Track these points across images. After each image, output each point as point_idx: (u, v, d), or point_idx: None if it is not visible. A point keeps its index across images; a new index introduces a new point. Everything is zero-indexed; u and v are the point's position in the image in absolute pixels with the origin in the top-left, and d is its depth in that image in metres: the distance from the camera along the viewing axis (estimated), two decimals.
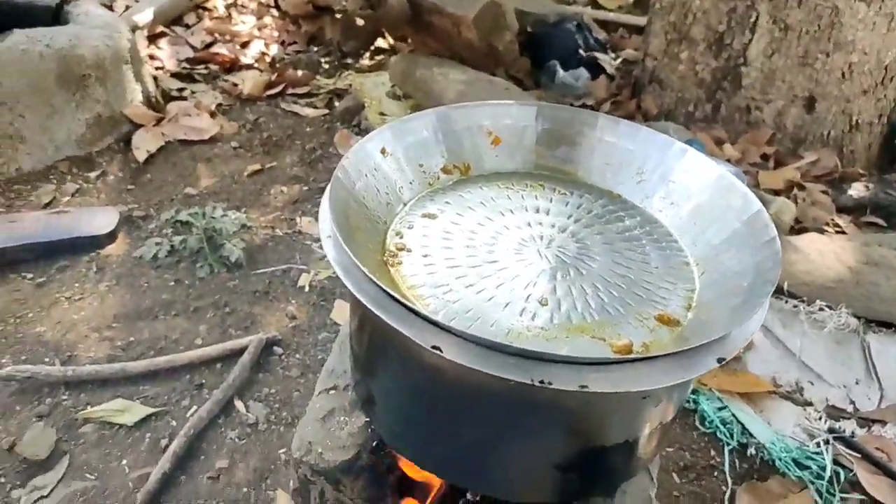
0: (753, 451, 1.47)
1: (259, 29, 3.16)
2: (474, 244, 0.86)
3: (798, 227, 2.04)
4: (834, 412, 1.57)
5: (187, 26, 3.07)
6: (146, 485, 1.29)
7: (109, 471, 1.35)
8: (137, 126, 2.32)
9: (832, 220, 2.09)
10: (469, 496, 1.01)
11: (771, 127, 2.27)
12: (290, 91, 2.71)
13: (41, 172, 2.12)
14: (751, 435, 1.50)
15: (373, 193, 0.87)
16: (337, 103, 2.63)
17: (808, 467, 1.43)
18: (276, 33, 3.16)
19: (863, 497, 1.39)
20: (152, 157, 2.26)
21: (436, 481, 1.01)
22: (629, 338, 0.75)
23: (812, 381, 1.63)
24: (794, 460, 1.44)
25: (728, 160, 2.16)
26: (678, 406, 0.83)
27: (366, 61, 3.02)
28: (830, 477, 1.41)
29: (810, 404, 1.58)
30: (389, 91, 2.61)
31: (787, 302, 1.76)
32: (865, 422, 1.55)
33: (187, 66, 2.81)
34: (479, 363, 0.64)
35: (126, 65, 2.29)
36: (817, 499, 1.38)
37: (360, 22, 2.86)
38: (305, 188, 2.21)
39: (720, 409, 1.55)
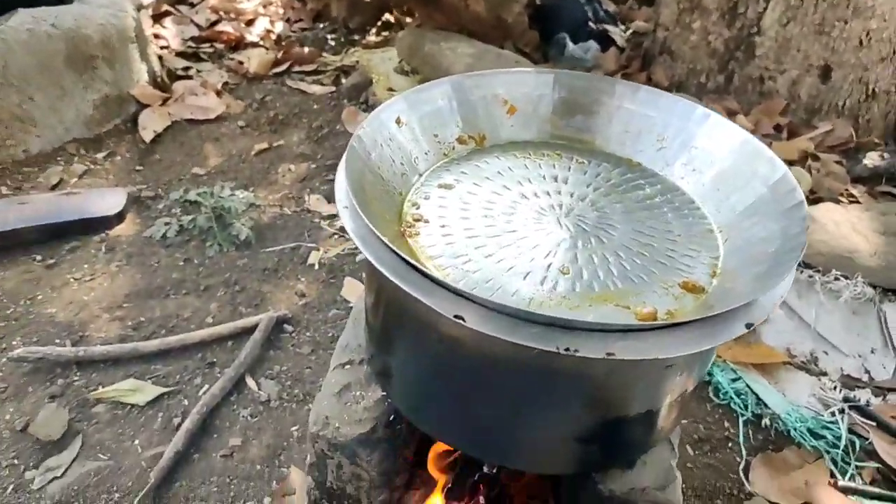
0: (768, 422, 1.46)
1: (264, 6, 3.12)
2: (492, 214, 0.84)
3: (813, 198, 2.01)
4: (849, 382, 1.56)
5: (192, 5, 3.04)
6: (160, 462, 1.29)
7: (123, 450, 1.35)
8: (144, 106, 2.30)
9: (847, 190, 2.06)
10: (486, 468, 1.01)
11: (785, 97, 2.23)
12: (296, 69, 2.68)
13: (49, 154, 2.11)
14: (765, 406, 1.49)
15: (388, 164, 0.85)
16: (344, 80, 2.60)
17: (823, 437, 1.43)
18: (281, 10, 3.12)
19: (878, 465, 1.39)
20: (159, 136, 2.25)
21: (453, 454, 1.01)
22: (653, 306, 0.74)
23: (827, 352, 1.61)
24: (809, 430, 1.43)
25: None
26: (700, 376, 0.82)
27: (372, 37, 2.98)
28: (846, 446, 1.40)
29: (825, 374, 1.57)
30: (397, 66, 2.57)
31: (802, 272, 1.74)
32: (881, 390, 1.54)
33: (192, 44, 2.78)
34: (504, 332, 0.63)
35: (132, 44, 2.27)
36: (833, 468, 1.37)
37: None
38: (313, 166, 2.19)
39: (734, 380, 1.54)
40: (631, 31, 2.77)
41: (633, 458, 0.88)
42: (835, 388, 1.53)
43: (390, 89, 2.47)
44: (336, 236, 1.92)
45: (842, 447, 1.40)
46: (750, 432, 1.45)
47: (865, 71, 2.17)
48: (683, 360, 0.73)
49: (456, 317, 0.63)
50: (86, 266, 1.76)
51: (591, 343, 0.62)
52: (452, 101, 0.93)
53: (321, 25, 3.04)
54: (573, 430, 0.78)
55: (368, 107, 2.44)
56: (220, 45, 2.80)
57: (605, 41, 2.67)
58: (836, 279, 1.71)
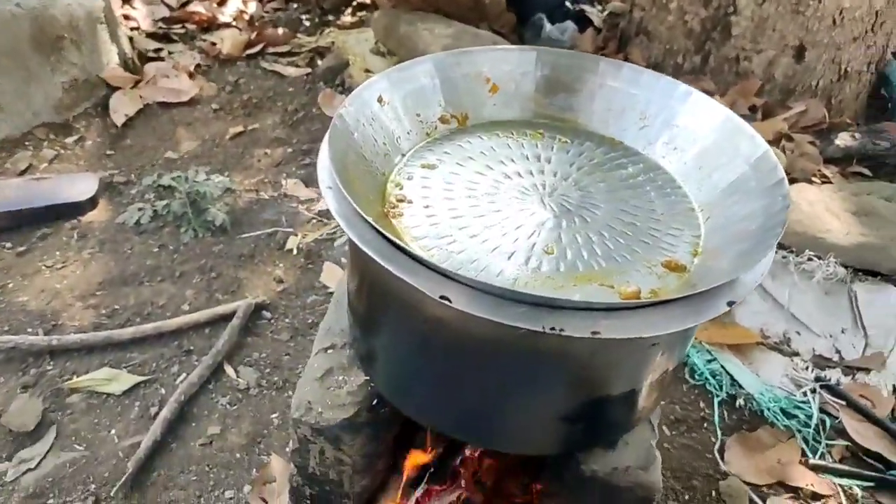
0: (742, 402, 1.48)
1: None
2: (476, 194, 0.83)
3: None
4: (820, 361, 1.58)
5: None
6: (137, 452, 1.27)
7: (99, 440, 1.33)
8: (115, 89, 2.24)
9: (819, 170, 2.09)
10: (468, 451, 1.01)
11: (760, 77, 2.24)
12: (270, 50, 2.63)
13: (17, 139, 2.05)
14: (740, 386, 1.51)
15: (370, 144, 0.84)
16: (319, 62, 2.56)
17: (795, 416, 1.45)
18: None
19: (848, 443, 1.42)
20: (131, 120, 2.20)
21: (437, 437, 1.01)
22: (637, 285, 0.74)
23: (799, 332, 1.64)
24: (781, 410, 1.46)
25: None
26: (681, 355, 0.83)
27: (347, 18, 2.94)
28: (817, 425, 1.43)
29: (797, 354, 1.59)
30: (373, 48, 2.54)
31: (776, 252, 1.76)
32: (851, 370, 1.57)
33: (163, 25, 2.71)
34: (489, 312, 0.62)
35: (101, 25, 2.20)
36: (804, 447, 1.40)
37: None
38: (289, 150, 2.16)
39: (709, 361, 1.56)
40: (608, 11, 2.76)
41: (616, 439, 0.88)
42: (807, 368, 1.56)
43: (367, 71, 2.43)
44: (314, 221, 1.89)
45: (813, 426, 1.43)
46: (725, 412, 1.47)
47: (838, 50, 2.19)
48: (667, 339, 0.73)
49: (442, 297, 0.62)
50: (58, 253, 1.72)
51: (577, 322, 0.62)
52: (435, 80, 0.92)
53: (295, 6, 2.99)
54: (558, 411, 0.78)
55: (345, 89, 2.41)
56: (191, 26, 2.73)
57: (583, 22, 2.66)
58: (810, 259, 1.74)
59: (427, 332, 0.75)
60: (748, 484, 1.33)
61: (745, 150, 0.83)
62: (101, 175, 1.94)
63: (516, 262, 0.75)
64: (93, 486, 1.24)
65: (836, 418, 1.45)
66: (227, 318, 1.56)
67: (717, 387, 1.51)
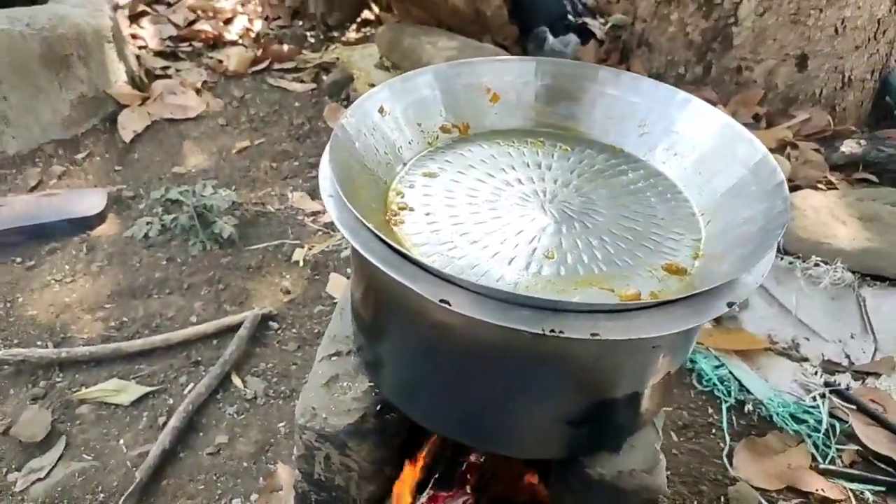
0: (751, 408, 1.48)
1: (242, 5, 3.10)
2: (477, 201, 0.84)
3: (791, 186, 2.04)
4: (829, 366, 1.58)
5: (169, 4, 3.01)
6: (146, 461, 1.28)
7: (108, 450, 1.34)
8: (122, 106, 2.28)
9: (825, 177, 2.09)
10: (474, 457, 1.01)
11: (762, 87, 2.26)
12: (275, 66, 2.66)
13: (26, 156, 2.08)
14: (748, 392, 1.50)
15: (372, 153, 0.85)
16: (324, 77, 2.59)
17: (804, 421, 1.45)
18: (259, 8, 3.10)
19: (858, 448, 1.41)
20: (139, 136, 2.22)
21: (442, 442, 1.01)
22: (637, 288, 0.75)
23: (808, 337, 1.63)
24: (791, 415, 1.45)
25: None
26: (684, 357, 0.83)
27: (352, 34, 2.97)
28: (827, 430, 1.42)
29: (806, 360, 1.59)
30: (378, 62, 2.57)
31: (782, 259, 1.76)
32: (860, 375, 1.56)
33: (171, 44, 2.75)
34: (489, 315, 0.63)
35: (108, 44, 2.24)
36: (814, 451, 1.39)
37: None
38: (295, 163, 2.18)
39: (717, 367, 1.56)
40: (610, 24, 2.78)
41: (621, 442, 0.89)
42: (816, 373, 1.55)
43: (371, 85, 2.46)
44: (320, 233, 1.91)
45: (823, 431, 1.42)
46: (733, 418, 1.47)
47: (840, 59, 2.20)
48: (668, 341, 0.74)
49: (441, 301, 0.63)
50: (66, 267, 1.74)
51: (577, 324, 0.63)
52: (436, 90, 0.93)
53: (300, 23, 3.03)
54: (562, 414, 0.79)
55: (350, 103, 2.43)
56: (198, 44, 2.77)
57: (585, 34, 2.68)
58: (816, 265, 1.74)
59: (431, 337, 0.76)
60: (757, 489, 1.32)
61: (743, 154, 0.84)
62: (109, 190, 1.96)
63: (517, 267, 0.76)
64: (102, 495, 1.25)
65: (847, 423, 1.44)
66: (234, 328, 1.57)
67: (725, 392, 1.51)
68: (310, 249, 1.85)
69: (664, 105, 0.93)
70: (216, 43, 2.79)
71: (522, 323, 0.63)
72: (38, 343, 1.53)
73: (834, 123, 2.25)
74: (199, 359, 1.52)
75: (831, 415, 1.45)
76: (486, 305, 0.63)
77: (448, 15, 2.52)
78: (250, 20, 2.99)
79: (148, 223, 1.85)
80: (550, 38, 2.58)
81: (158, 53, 2.67)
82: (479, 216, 0.82)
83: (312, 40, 2.92)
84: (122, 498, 1.23)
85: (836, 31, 2.13)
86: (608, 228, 0.83)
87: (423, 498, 0.99)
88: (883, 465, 1.38)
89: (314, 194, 2.04)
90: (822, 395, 1.49)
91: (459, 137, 0.95)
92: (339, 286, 1.72)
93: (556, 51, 2.54)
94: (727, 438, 1.42)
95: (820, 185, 2.07)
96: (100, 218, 1.88)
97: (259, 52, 2.69)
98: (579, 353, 0.71)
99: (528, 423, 0.81)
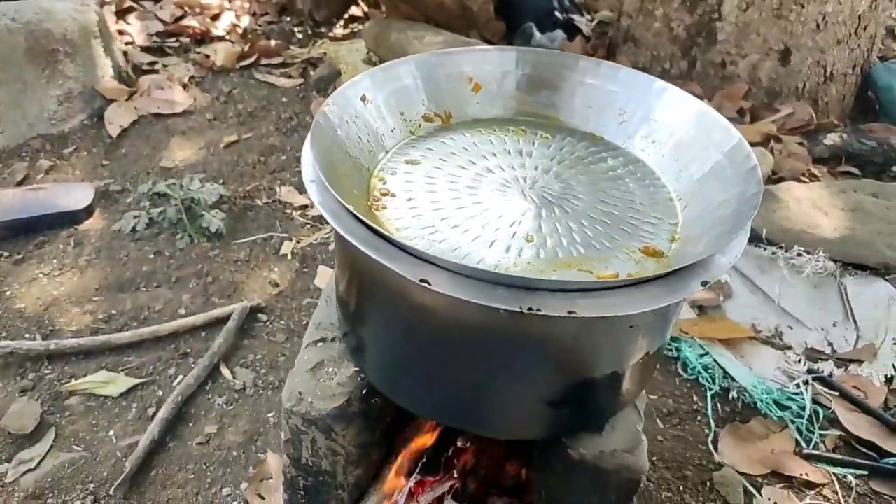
0: (735, 395, 1.50)
1: (229, 1, 3.10)
2: (458, 187, 0.86)
3: (775, 178, 2.07)
4: (812, 354, 1.60)
5: (155, 0, 3.01)
6: (135, 451, 1.29)
7: (97, 441, 1.34)
8: (109, 101, 2.28)
9: (808, 170, 2.12)
10: (460, 442, 1.03)
11: (746, 81, 2.28)
12: (263, 62, 2.67)
13: (13, 150, 2.08)
14: (732, 379, 1.53)
15: (354, 140, 0.86)
16: (312, 72, 2.60)
17: (788, 408, 1.47)
18: (246, 4, 3.10)
19: (841, 433, 1.44)
20: (126, 131, 2.23)
21: (427, 425, 1.03)
22: (615, 269, 0.76)
23: (791, 326, 1.66)
24: (774, 401, 1.48)
25: None
26: (663, 337, 0.85)
27: (339, 29, 2.98)
28: (810, 416, 1.45)
29: (789, 348, 1.61)
30: (365, 58, 2.57)
31: (765, 249, 1.79)
32: (843, 362, 1.59)
33: (158, 39, 2.75)
34: (469, 294, 0.64)
35: (95, 39, 2.24)
36: (798, 437, 1.42)
37: None
38: (283, 157, 2.19)
39: (702, 355, 1.58)
40: (596, 20, 2.81)
41: (602, 423, 0.90)
42: (799, 360, 1.58)
43: None
44: (308, 226, 1.92)
45: (806, 417, 1.45)
46: (718, 405, 1.49)
47: (822, 53, 2.23)
48: (646, 321, 0.75)
49: (422, 281, 0.64)
50: (54, 261, 1.74)
51: (554, 302, 0.64)
52: (418, 80, 0.94)
53: (287, 18, 3.03)
54: (544, 395, 0.80)
55: None
56: (185, 40, 2.77)
57: (571, 30, 2.70)
58: (799, 255, 1.76)
59: (412, 319, 0.77)
60: (742, 474, 1.35)
61: (719, 139, 0.85)
62: (96, 184, 1.97)
63: (497, 249, 0.77)
64: (92, 485, 1.26)
65: (829, 409, 1.47)
66: (223, 320, 1.58)
67: (709, 380, 1.53)
68: (298, 242, 1.86)
69: (643, 94, 0.94)
70: (203, 38, 2.79)
71: (501, 301, 0.64)
72: (27, 335, 1.54)
73: (817, 117, 2.28)
74: (188, 350, 1.53)
75: (814, 401, 1.48)
76: (466, 285, 0.65)
77: (435, 10, 2.53)
78: (238, 16, 3.00)
79: (135, 217, 1.86)
80: (537, 34, 2.59)
81: (145, 49, 2.67)
82: (460, 202, 0.84)
83: (300, 36, 2.93)
84: (112, 488, 1.24)
85: (818, 25, 2.16)
86: (587, 213, 0.84)
87: (411, 482, 1.00)
88: (864, 450, 1.41)
89: (302, 188, 2.04)
90: (806, 382, 1.51)
91: (441, 126, 0.97)
92: (326, 278, 1.73)
93: (543, 46, 2.56)
94: (712, 425, 1.44)
95: (803, 178, 2.10)
96: (87, 212, 1.88)
97: (246, 48, 2.69)
98: (558, 333, 0.73)
99: (509, 404, 0.82)
